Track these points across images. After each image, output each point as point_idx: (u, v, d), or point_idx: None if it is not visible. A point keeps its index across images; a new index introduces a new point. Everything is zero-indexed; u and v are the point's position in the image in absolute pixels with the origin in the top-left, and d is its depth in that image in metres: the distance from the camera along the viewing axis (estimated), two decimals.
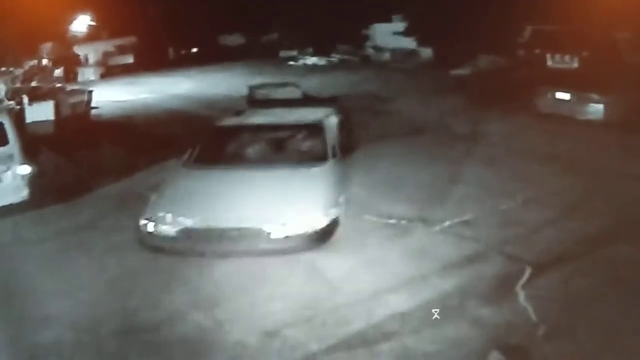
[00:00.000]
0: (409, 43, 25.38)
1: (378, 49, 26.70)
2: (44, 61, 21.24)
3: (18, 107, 13.74)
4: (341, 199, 7.30)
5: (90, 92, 16.70)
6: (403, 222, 7.76)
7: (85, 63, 26.95)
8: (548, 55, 18.99)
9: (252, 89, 12.89)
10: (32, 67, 19.22)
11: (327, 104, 10.34)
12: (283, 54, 29.46)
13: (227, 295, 6.15)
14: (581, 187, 8.74)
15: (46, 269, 7.09)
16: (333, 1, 26.72)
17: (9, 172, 8.74)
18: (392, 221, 7.80)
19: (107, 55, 27.74)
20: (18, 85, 15.99)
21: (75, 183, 10.06)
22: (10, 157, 8.77)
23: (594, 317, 5.41)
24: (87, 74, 26.03)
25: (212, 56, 28.75)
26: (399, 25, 25.95)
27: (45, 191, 9.06)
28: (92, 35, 28.84)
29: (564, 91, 13.10)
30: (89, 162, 11.40)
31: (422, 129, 13.07)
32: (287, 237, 6.59)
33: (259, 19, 30.51)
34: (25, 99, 14.16)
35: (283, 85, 13.62)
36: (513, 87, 15.34)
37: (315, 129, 8.53)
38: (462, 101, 15.55)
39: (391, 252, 6.94)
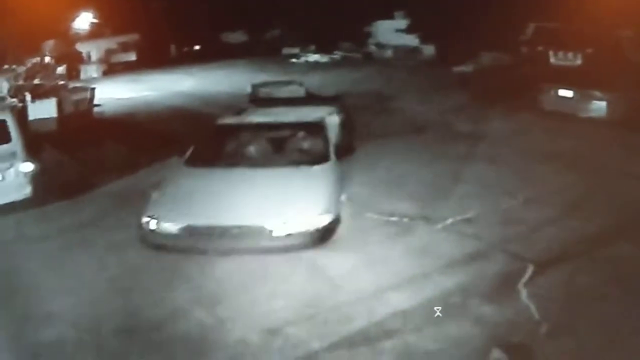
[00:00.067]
0: (411, 40, 25.26)
1: (380, 46, 26.61)
2: (47, 59, 21.13)
3: (20, 104, 13.70)
4: (343, 197, 7.31)
5: (93, 89, 16.66)
6: (405, 220, 7.77)
7: (87, 60, 26.87)
8: (551, 53, 18.84)
9: (255, 87, 12.87)
10: (34, 64, 19.12)
11: (329, 103, 10.34)
12: (285, 51, 29.41)
13: (228, 293, 6.16)
14: (583, 186, 8.73)
15: (48, 266, 7.10)
16: None
17: (12, 170, 8.76)
18: (393, 219, 7.80)
19: (109, 52, 27.67)
20: (20, 82, 15.92)
21: (77, 180, 10.09)
22: (13, 155, 8.79)
23: (595, 316, 5.41)
24: (90, 71, 25.97)
25: (215, 53, 28.63)
26: (402, 23, 25.83)
27: (48, 189, 9.08)
28: (95, 33, 28.73)
29: (566, 88, 13.08)
30: (91, 159, 11.42)
31: (424, 127, 13.03)
32: (288, 235, 6.60)
33: (262, 16, 30.43)
34: (28, 97, 14.14)
35: (286, 83, 13.58)
36: (516, 85, 15.20)
37: (316, 128, 8.55)
38: (465, 98, 15.50)
39: (393, 250, 6.95)
